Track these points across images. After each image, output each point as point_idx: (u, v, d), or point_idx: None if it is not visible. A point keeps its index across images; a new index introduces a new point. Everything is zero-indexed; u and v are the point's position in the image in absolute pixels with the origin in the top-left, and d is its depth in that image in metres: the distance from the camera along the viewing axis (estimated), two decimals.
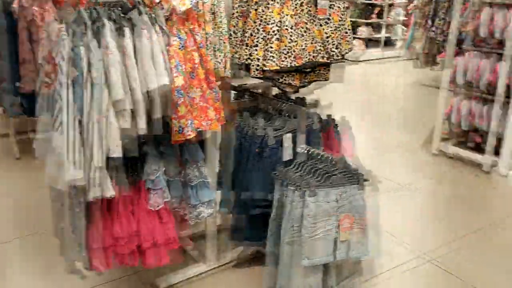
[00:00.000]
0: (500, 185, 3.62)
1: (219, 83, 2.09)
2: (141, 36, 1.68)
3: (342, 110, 5.74)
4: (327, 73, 2.34)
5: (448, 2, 6.36)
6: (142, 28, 1.69)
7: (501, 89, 3.66)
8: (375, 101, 6.45)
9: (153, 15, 1.75)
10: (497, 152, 3.74)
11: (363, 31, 9.15)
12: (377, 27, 9.34)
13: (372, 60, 9.09)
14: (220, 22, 1.99)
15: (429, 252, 2.72)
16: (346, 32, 2.25)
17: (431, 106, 4.93)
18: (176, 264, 2.37)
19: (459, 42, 4.05)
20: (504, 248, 2.81)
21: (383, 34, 9.31)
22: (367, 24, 9.21)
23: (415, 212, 3.29)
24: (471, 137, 4.14)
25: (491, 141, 3.80)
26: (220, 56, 2.02)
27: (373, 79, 7.99)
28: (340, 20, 2.19)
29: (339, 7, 2.18)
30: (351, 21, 2.28)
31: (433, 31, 6.48)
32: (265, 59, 2.07)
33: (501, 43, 3.71)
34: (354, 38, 9.06)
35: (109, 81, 1.66)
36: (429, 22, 6.55)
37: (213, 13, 1.98)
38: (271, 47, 2.05)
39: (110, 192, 1.76)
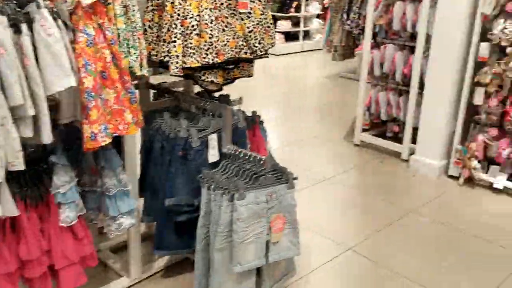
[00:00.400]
0: (418, 172, 3.78)
1: (135, 82, 1.93)
2: (40, 32, 1.48)
3: (263, 104, 5.79)
4: (250, 69, 2.26)
5: None
6: (42, 24, 1.49)
7: (415, 80, 3.81)
8: (296, 94, 6.52)
9: (54, 9, 1.54)
10: (414, 140, 3.90)
11: (283, 25, 9.23)
12: (296, 21, 9.47)
13: (292, 53, 9.21)
14: (133, 16, 1.82)
15: (356, 245, 2.75)
16: (269, 27, 2.18)
17: (351, 97, 5.07)
18: (96, 280, 2.18)
19: (375, 35, 4.17)
20: (421, 234, 2.93)
21: (301, 28, 9.46)
22: (286, 18, 9.30)
23: (340, 204, 3.34)
24: (390, 127, 4.30)
25: (408, 131, 3.96)
26: (135, 53, 1.85)
27: (293, 72, 8.09)
28: (262, 14, 2.11)
29: (260, 0, 2.10)
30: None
31: (349, 24, 6.67)
32: (184, 56, 1.94)
33: (413, 36, 3.87)
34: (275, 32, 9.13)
35: (5, 85, 1.44)
36: (345, 16, 6.73)
37: (125, 6, 1.81)
38: (191, 43, 1.92)
39: (13, 210, 1.55)
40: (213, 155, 2.10)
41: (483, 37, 3.32)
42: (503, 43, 3.20)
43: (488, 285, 2.43)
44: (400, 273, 2.50)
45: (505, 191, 3.39)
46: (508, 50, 3.17)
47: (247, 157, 2.06)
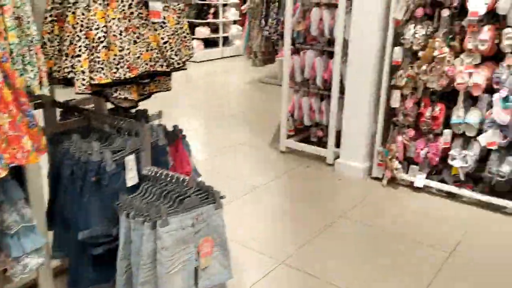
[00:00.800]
0: (344, 175, 3.82)
1: (38, 101, 1.70)
2: None
3: (186, 113, 5.61)
4: (168, 82, 2.10)
5: (278, 2, 6.64)
6: None
7: (335, 85, 3.85)
8: (219, 101, 6.42)
9: None
10: (338, 144, 3.94)
11: (201, 32, 9.10)
12: (214, 27, 9.37)
13: (212, 60, 9.10)
14: (28, 28, 1.60)
15: (289, 257, 2.69)
16: (185, 37, 2.04)
17: (274, 103, 5.04)
18: None
19: (294, 41, 4.18)
20: (351, 239, 2.94)
21: (220, 34, 9.38)
22: (204, 24, 9.17)
23: (270, 214, 3.27)
24: (314, 132, 4.32)
25: (331, 135, 3.99)
26: (32, 70, 1.63)
27: (215, 79, 7.99)
28: (177, 24, 1.97)
29: (174, 9, 1.95)
30: (188, 22, 2.08)
31: (267, 30, 6.69)
32: (92, 71, 1.74)
33: (331, 42, 3.91)
34: (193, 39, 8.96)
35: None
36: (263, 21, 6.74)
37: (18, 18, 1.58)
38: (98, 57, 1.73)
39: None
40: (131, 178, 1.92)
41: (397, 42, 3.42)
42: (415, 47, 3.32)
43: (418, 286, 2.47)
44: (332, 283, 2.47)
45: (424, 189, 3.52)
46: (420, 54, 3.29)
47: (169, 178, 1.90)
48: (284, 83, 4.22)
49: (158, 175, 1.90)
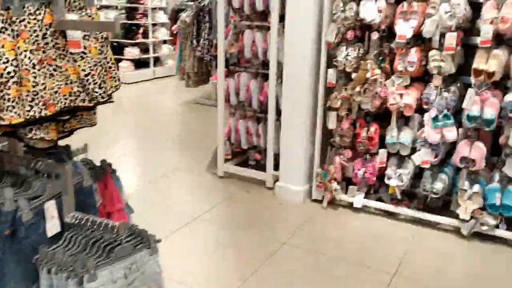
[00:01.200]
0: (284, 199, 3.75)
1: None
2: None
3: (118, 139, 5.33)
4: (92, 117, 1.92)
5: (209, 22, 6.57)
6: None
7: (271, 107, 3.80)
8: (153, 124, 6.18)
9: None
10: (277, 167, 3.88)
11: (131, 52, 8.81)
12: (144, 47, 9.12)
13: (143, 81, 8.83)
14: None
15: None
16: (110, 67, 1.87)
17: (211, 125, 4.91)
18: None
19: (228, 63, 4.09)
20: (294, 267, 2.86)
21: (151, 54, 9.15)
22: (133, 45, 8.90)
23: (212, 246, 3.12)
24: (252, 155, 4.24)
25: (269, 158, 3.93)
26: None
27: (147, 100, 7.73)
28: (100, 54, 1.80)
29: (96, 37, 1.78)
30: (116, 43, 1.91)
31: (200, 51, 6.60)
32: (1, 111, 1.53)
33: (265, 64, 3.87)
34: (122, 59, 8.64)
35: None
36: (194, 42, 6.64)
37: None
38: (9, 94, 1.53)
39: None
40: (52, 227, 1.70)
41: (330, 64, 3.44)
42: (348, 69, 3.35)
43: None
44: None
45: (364, 209, 3.53)
46: (353, 75, 3.32)
47: (97, 224, 1.70)
48: (220, 106, 4.11)
49: (83, 221, 1.70)
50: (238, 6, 3.86)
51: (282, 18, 3.56)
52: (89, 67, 1.73)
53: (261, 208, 3.66)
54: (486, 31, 2.79)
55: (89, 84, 1.74)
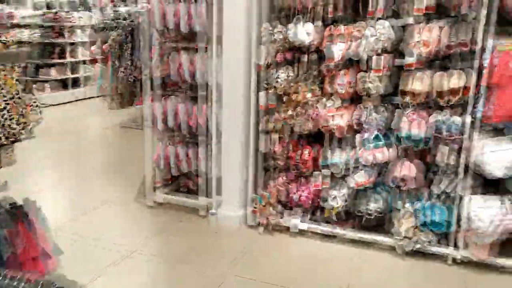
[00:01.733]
0: (220, 226, 3.60)
1: None
2: None
3: (40, 168, 4.89)
4: (10, 155, 1.68)
5: (131, 43, 6.32)
6: None
7: (202, 132, 3.66)
8: (77, 150, 5.79)
9: None
10: (211, 193, 3.73)
11: (48, 73, 8.26)
12: (63, 68, 8.59)
13: (64, 103, 8.31)
14: None
15: None
16: (31, 98, 1.65)
17: (138, 150, 4.65)
18: None
19: (154, 86, 3.90)
20: None
21: (70, 75, 8.64)
22: (50, 65, 8.35)
23: (148, 284, 2.89)
24: (184, 182, 4.05)
25: (203, 184, 3.77)
26: None
27: (70, 124, 7.25)
28: (17, 84, 1.57)
29: (13, 67, 1.55)
30: (31, 63, 1.68)
31: (123, 72, 6.33)
32: None
33: (193, 86, 3.73)
34: (38, 81, 8.06)
35: None
36: (117, 62, 6.35)
37: None
38: None
39: None
40: None
41: (262, 86, 3.37)
42: (279, 92, 3.30)
43: None
44: None
45: (301, 233, 3.48)
46: (285, 98, 3.28)
47: (16, 281, 1.47)
48: (147, 132, 3.90)
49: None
50: (162, 28, 3.69)
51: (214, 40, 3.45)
52: (5, 101, 1.50)
53: (197, 238, 3.48)
54: (410, 54, 2.87)
55: (6, 120, 1.51)
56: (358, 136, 3.12)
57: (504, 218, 2.89)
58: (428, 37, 2.83)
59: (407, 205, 3.15)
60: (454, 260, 3.09)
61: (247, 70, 3.40)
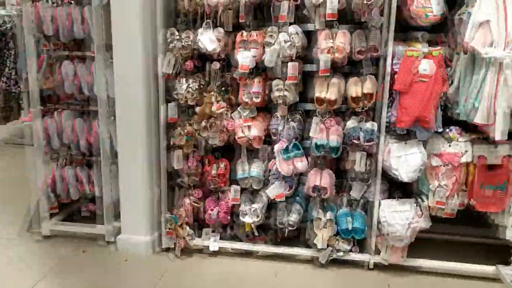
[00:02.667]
0: (130, 254, 3.24)
1: None
2: None
3: None
4: None
5: (14, 49, 5.65)
6: None
7: (104, 150, 3.28)
8: None
9: None
10: (118, 217, 3.35)
11: None
12: None
13: None
14: None
15: None
16: None
17: (27, 171, 4.07)
18: None
19: (45, 99, 3.43)
20: None
21: None
22: None
23: None
24: (85, 207, 3.61)
25: (106, 208, 3.38)
26: None
27: None
28: None
29: None
30: None
31: (5, 82, 5.63)
32: None
33: (92, 100, 3.33)
34: None
35: None
36: None
37: None
38: None
39: None
40: None
41: (171, 97, 3.11)
42: (190, 103, 3.06)
43: None
44: None
45: (221, 251, 3.26)
46: (197, 109, 3.04)
47: None
48: (37, 152, 3.40)
49: None
50: (52, 33, 3.24)
51: (110, 47, 3.09)
52: None
53: (104, 270, 3.10)
54: (325, 60, 2.80)
55: None
56: (276, 146, 2.98)
57: (419, 220, 2.95)
58: (341, 42, 2.78)
59: (328, 213, 3.09)
60: (375, 265, 3.09)
61: (148, 80, 3.10)
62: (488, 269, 2.99)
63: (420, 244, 3.05)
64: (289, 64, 2.86)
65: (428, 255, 3.13)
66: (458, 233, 3.41)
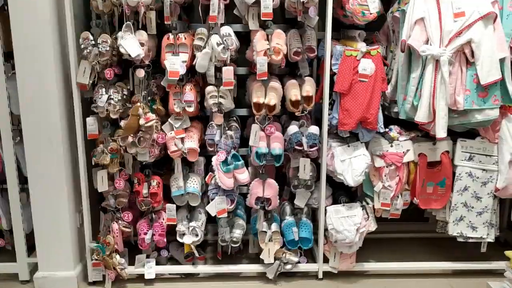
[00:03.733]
0: None
1: None
2: None
3: None
4: None
5: None
6: None
7: (12, 174, 2.80)
8: None
9: None
10: (33, 251, 2.89)
11: None
12: None
13: None
14: None
15: None
16: None
17: None
18: None
19: None
20: None
21: None
22: None
23: None
24: None
25: (21, 241, 2.89)
26: None
27: None
28: None
29: None
30: None
31: None
32: None
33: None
34: None
35: None
36: None
37: None
38: None
39: None
40: None
41: (89, 111, 2.73)
42: (113, 116, 2.70)
43: None
44: None
45: (158, 278, 2.94)
46: (122, 123, 2.69)
47: None
48: None
49: None
50: None
51: (11, 55, 2.63)
52: None
53: None
54: (262, 63, 2.60)
55: None
56: (214, 159, 2.73)
57: (366, 223, 2.87)
58: (278, 43, 2.60)
59: (273, 225, 2.91)
60: (325, 274, 2.96)
61: (64, 93, 2.70)
62: (436, 265, 3.01)
63: (367, 246, 2.98)
64: (224, 68, 2.62)
65: (376, 256, 3.08)
66: (401, 230, 3.42)
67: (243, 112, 2.99)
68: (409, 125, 2.88)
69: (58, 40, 2.64)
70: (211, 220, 3.06)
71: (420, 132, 2.89)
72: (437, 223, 3.07)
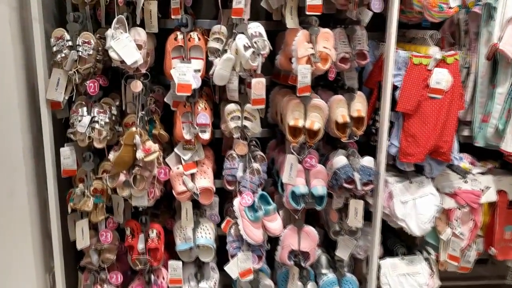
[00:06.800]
0: None
1: None
2: None
3: None
4: None
5: None
6: None
7: None
8: None
9: None
10: None
11: None
12: None
13: None
14: None
15: None
16: None
17: None
18: None
19: None
20: None
21: None
22: None
23: None
24: None
25: None
26: None
27: None
28: None
29: None
30: None
31: None
32: None
33: None
34: None
35: None
36: None
37: None
38: None
39: None
40: None
41: (64, 138, 1.98)
42: (98, 145, 1.95)
43: None
44: None
45: None
46: (111, 156, 1.95)
47: None
48: None
49: None
50: None
51: None
52: None
53: None
54: (304, 73, 1.91)
55: None
56: (237, 203, 2.02)
57: (430, 282, 2.22)
58: (326, 47, 1.92)
59: (309, 285, 2.22)
60: None
61: (25, 113, 1.96)
62: None
63: None
64: (254, 81, 1.90)
65: None
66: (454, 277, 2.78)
67: (264, 133, 2.31)
68: (479, 153, 2.26)
69: (20, 40, 1.90)
70: (224, 278, 2.35)
71: (496, 163, 2.27)
72: (508, 270, 2.45)
